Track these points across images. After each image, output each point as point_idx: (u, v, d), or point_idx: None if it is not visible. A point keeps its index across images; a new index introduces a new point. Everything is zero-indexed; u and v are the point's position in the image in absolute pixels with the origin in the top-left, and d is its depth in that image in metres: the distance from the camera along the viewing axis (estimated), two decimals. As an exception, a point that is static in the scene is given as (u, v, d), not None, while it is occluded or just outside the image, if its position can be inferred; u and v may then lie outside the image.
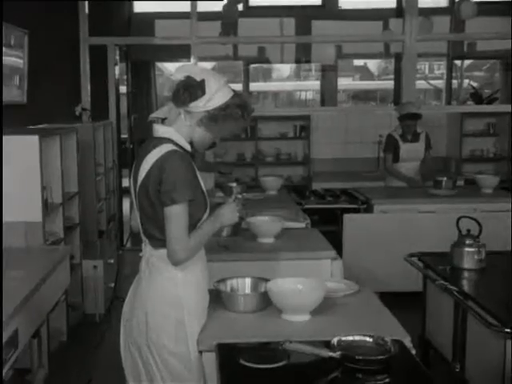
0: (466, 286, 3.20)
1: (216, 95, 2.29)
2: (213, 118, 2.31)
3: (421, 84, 10.05)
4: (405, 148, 5.65)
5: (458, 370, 3.08)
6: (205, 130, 2.34)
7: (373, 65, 11.69)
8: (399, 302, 3.60)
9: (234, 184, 5.23)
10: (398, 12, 7.26)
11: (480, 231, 3.38)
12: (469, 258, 3.32)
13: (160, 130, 2.36)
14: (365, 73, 11.81)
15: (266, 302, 2.49)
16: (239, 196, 2.46)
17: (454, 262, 3.35)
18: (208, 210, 2.37)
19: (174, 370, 2.31)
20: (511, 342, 2.64)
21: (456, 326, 3.12)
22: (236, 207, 2.42)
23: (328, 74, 9.99)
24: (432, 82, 10.70)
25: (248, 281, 2.67)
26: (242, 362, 2.06)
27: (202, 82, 2.27)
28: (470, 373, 3.01)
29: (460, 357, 3.06)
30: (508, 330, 2.60)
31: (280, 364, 2.04)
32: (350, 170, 7.18)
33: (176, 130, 2.33)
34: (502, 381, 2.71)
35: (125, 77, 8.12)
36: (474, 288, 3.24)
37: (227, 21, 7.33)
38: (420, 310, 3.72)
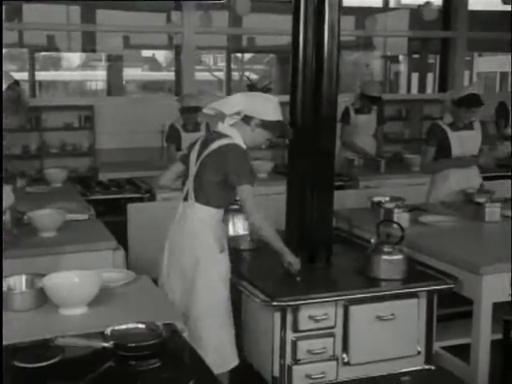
0: (240, 266, 3.38)
1: (-13, 88, 2.23)
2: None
3: (206, 76, 10.40)
4: (186, 137, 5.76)
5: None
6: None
7: (161, 56, 11.81)
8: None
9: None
10: (178, 5, 7.42)
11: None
12: (243, 240, 3.55)
13: None
14: (153, 64, 11.90)
15: (43, 299, 2.47)
16: None
17: (230, 244, 3.55)
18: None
19: None
20: (279, 314, 2.91)
21: (234, 305, 3.32)
22: None
23: (115, 64, 9.91)
24: (216, 73, 11.10)
25: (24, 278, 2.62)
26: (16, 363, 2.03)
27: (-27, 73, 2.20)
28: (246, 348, 3.24)
29: (238, 333, 3.28)
30: (275, 303, 2.87)
31: (53, 361, 2.04)
32: (136, 160, 7.17)
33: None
34: (271, 351, 2.97)
35: None
36: (247, 268, 3.44)
37: (10, 6, 6.95)
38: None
